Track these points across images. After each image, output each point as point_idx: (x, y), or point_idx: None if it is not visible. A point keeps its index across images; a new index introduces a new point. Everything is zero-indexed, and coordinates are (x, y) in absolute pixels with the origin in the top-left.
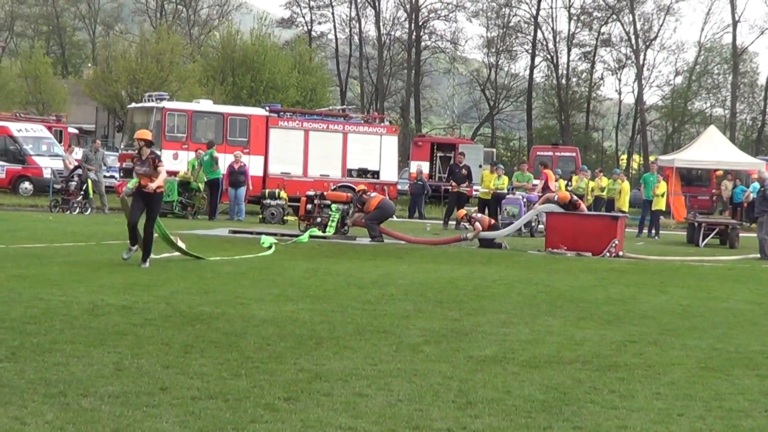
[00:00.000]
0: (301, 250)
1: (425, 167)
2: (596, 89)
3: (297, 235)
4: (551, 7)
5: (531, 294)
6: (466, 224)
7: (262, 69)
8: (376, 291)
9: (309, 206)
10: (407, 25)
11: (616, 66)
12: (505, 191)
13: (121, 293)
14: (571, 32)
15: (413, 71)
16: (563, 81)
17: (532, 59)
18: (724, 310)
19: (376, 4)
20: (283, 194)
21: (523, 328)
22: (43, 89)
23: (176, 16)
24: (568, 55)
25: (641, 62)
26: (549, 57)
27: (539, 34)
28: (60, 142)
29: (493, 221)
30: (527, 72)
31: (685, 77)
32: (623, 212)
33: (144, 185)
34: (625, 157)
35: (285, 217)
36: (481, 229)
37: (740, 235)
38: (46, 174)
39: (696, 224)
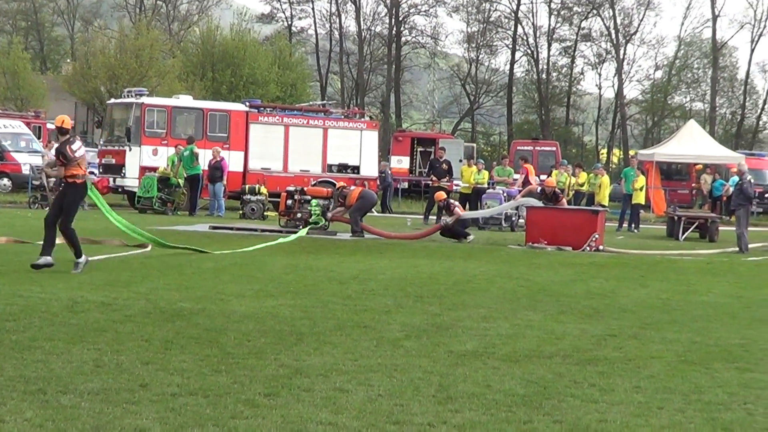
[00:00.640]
0: (281, 245)
1: (405, 162)
2: (576, 84)
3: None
4: (532, 2)
5: (511, 288)
6: (444, 214)
7: (242, 64)
8: (356, 286)
9: (289, 202)
10: (387, 21)
11: (597, 61)
12: (486, 186)
13: (100, 290)
14: (551, 27)
15: (393, 66)
16: (543, 76)
17: (513, 54)
18: (703, 304)
19: None
20: (264, 190)
21: (504, 323)
22: (22, 85)
23: (156, 11)
24: (549, 50)
25: (621, 57)
26: (529, 52)
27: (519, 29)
28: (39, 139)
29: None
30: (507, 67)
31: (665, 72)
32: (603, 206)
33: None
34: (605, 151)
35: (265, 213)
36: (460, 213)
37: (720, 228)
38: (25, 170)
39: (676, 218)
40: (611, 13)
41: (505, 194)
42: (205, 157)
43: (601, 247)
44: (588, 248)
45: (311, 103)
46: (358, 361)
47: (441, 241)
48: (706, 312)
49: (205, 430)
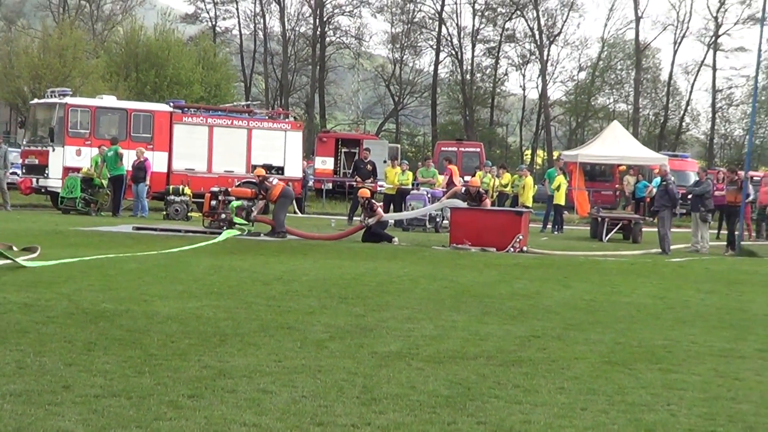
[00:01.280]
0: (205, 246)
1: (330, 163)
2: (500, 85)
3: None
4: (456, 3)
5: (435, 289)
6: (366, 215)
7: (166, 65)
8: (280, 287)
9: (213, 202)
10: (312, 21)
11: (521, 62)
12: (410, 187)
13: (23, 290)
14: (475, 28)
15: (318, 67)
16: (468, 76)
17: (437, 55)
18: (627, 305)
19: None
20: (188, 190)
21: (428, 324)
22: None
23: (79, 11)
24: (473, 51)
25: (545, 58)
26: (453, 52)
27: (444, 30)
28: None
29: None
30: (432, 67)
31: (588, 73)
32: (527, 207)
33: None
34: (529, 152)
35: (189, 214)
36: (382, 214)
37: (643, 229)
38: None
39: (599, 219)
40: (535, 14)
41: (429, 195)
42: (129, 158)
43: (525, 248)
44: (512, 249)
45: (235, 103)
46: (282, 363)
47: (366, 244)
48: (629, 313)
49: (128, 431)
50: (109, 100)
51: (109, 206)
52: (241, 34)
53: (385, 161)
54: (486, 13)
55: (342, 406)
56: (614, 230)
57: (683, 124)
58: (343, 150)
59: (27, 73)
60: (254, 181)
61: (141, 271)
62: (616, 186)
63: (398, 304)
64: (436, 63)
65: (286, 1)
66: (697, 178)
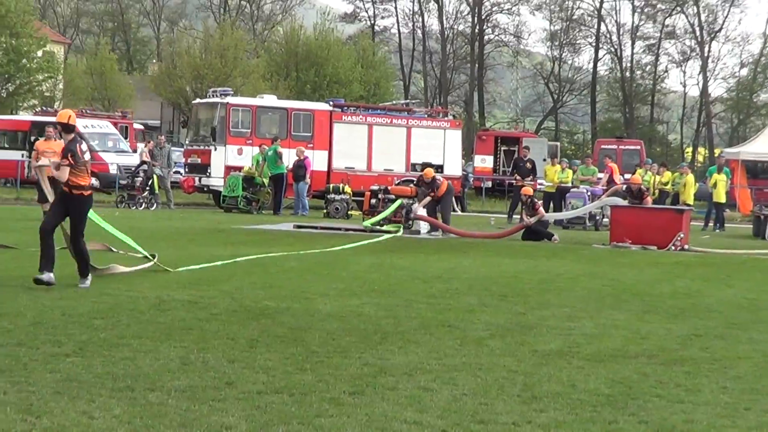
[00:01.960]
0: (366, 244)
1: (489, 161)
2: (660, 82)
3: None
4: (615, 0)
5: (596, 288)
6: (527, 213)
7: (326, 64)
8: (440, 285)
9: (373, 201)
10: (470, 19)
11: (681, 58)
12: (570, 185)
13: (186, 288)
14: (634, 24)
15: (476, 65)
16: (627, 74)
17: (596, 52)
18: None
19: None
20: (347, 189)
21: (588, 322)
22: (109, 86)
23: (240, 11)
24: (632, 48)
25: (706, 54)
26: (612, 50)
27: (603, 27)
28: (126, 138)
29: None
30: (591, 65)
31: (750, 69)
32: (688, 205)
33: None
34: (690, 149)
35: (349, 212)
36: (543, 213)
37: None
38: (112, 170)
39: (762, 217)
40: (695, 10)
41: (589, 193)
42: (289, 157)
43: (686, 247)
44: (673, 248)
45: (394, 102)
46: (443, 360)
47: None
48: None
49: (290, 428)
50: (269, 100)
51: (270, 205)
52: (399, 33)
53: (544, 159)
54: (645, 10)
55: (503, 404)
56: None
57: None
58: (502, 148)
59: (189, 73)
60: (413, 179)
61: (302, 269)
62: None
63: (558, 302)
64: (595, 60)
65: (444, 0)
66: None
